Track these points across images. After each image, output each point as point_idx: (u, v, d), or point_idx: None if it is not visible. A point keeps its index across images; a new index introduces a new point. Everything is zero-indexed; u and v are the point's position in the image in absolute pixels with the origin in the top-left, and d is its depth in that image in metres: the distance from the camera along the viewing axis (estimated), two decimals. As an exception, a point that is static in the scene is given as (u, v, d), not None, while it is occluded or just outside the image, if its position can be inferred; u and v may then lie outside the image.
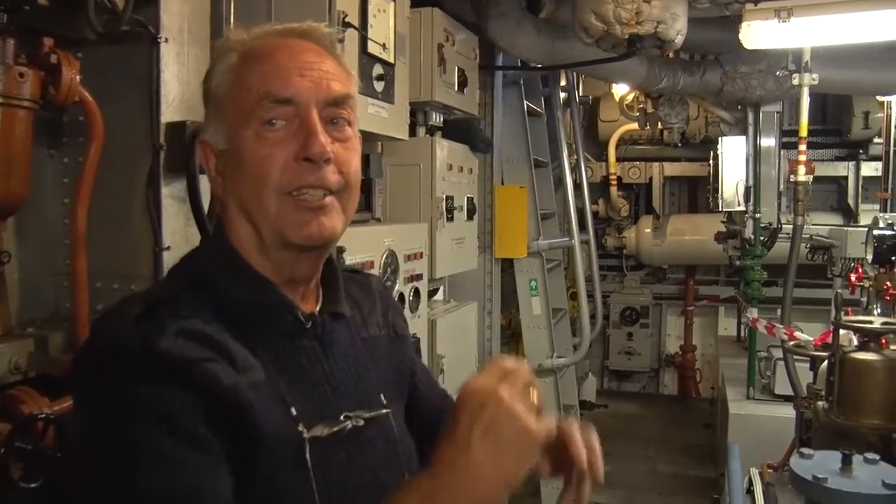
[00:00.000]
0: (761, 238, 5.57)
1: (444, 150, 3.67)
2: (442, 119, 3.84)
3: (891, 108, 6.17)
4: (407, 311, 3.15)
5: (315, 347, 1.22)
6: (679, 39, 3.83)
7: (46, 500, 1.71)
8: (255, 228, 1.18)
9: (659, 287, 9.32)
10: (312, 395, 1.18)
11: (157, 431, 1.00)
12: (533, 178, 5.19)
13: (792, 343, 4.54)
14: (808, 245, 5.32)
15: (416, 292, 3.25)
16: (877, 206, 6.55)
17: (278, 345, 1.18)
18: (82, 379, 1.11)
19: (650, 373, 9.37)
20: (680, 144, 8.45)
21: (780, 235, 5.57)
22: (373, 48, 2.82)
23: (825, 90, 5.42)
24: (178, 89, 2.15)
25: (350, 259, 2.49)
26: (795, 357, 4.61)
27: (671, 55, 5.41)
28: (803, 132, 4.71)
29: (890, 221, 4.39)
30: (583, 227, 5.97)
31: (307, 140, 1.14)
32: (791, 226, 4.90)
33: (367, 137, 2.25)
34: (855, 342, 2.79)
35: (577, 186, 6.11)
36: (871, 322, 2.84)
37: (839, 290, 4.69)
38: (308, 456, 1.12)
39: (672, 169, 9.12)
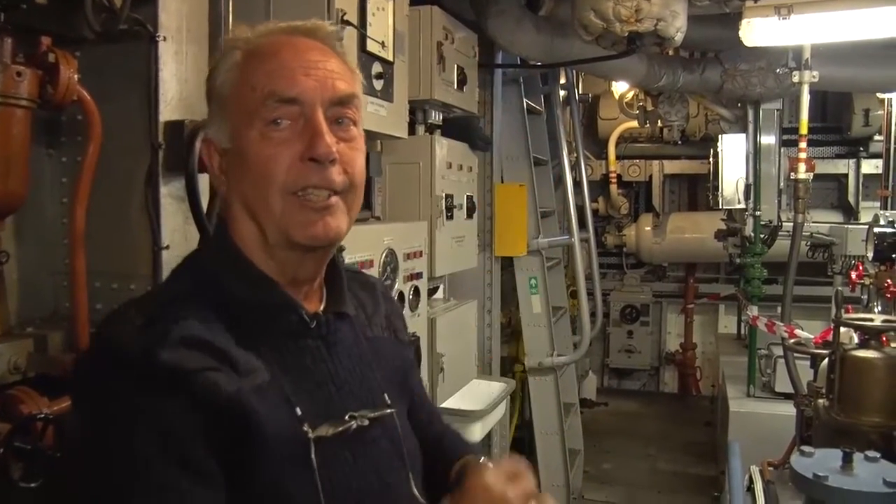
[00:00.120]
0: (761, 236, 5.57)
1: (444, 148, 3.66)
2: (441, 117, 3.83)
3: (891, 106, 6.18)
4: (407, 310, 3.15)
5: (319, 347, 1.22)
6: (679, 37, 3.82)
7: (46, 499, 1.71)
8: (259, 228, 1.18)
9: (659, 285, 9.33)
10: (317, 394, 1.18)
11: (153, 449, 1.00)
12: (533, 177, 5.19)
13: (792, 341, 4.52)
14: (809, 243, 5.32)
15: (416, 291, 3.25)
16: (877, 204, 6.56)
17: (283, 345, 1.18)
18: (82, 383, 1.11)
19: (650, 371, 9.37)
20: (680, 142, 8.45)
21: (780, 233, 5.57)
22: (372, 46, 2.81)
23: (825, 87, 5.42)
24: (176, 88, 2.14)
25: (350, 257, 2.48)
26: (796, 355, 4.61)
27: (671, 53, 5.41)
28: (803, 130, 4.71)
29: (890, 219, 4.39)
30: (583, 225, 5.96)
31: (313, 140, 1.14)
32: (791, 223, 4.89)
33: (367, 136, 2.26)
34: (855, 340, 2.79)
35: (577, 184, 6.11)
36: (871, 320, 2.83)
37: (839, 288, 4.68)
38: (313, 456, 1.12)
39: (672, 167, 9.12)
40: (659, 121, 7.00)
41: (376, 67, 2.87)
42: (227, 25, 2.31)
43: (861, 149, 7.90)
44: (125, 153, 2.11)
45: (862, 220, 6.71)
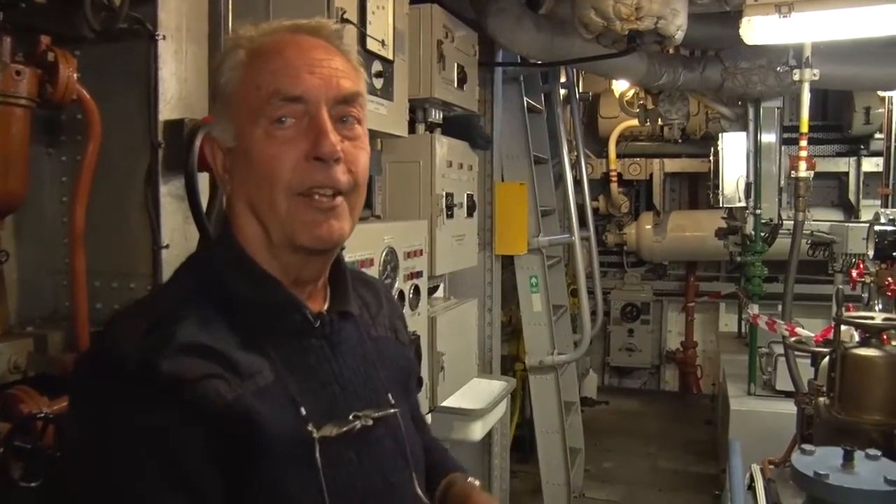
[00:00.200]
0: (762, 234, 5.56)
1: (444, 146, 3.65)
2: (441, 116, 3.82)
3: (892, 104, 6.17)
4: (407, 309, 3.14)
5: (323, 346, 1.22)
6: (679, 35, 3.82)
7: (46, 499, 1.71)
8: (264, 227, 1.18)
9: (660, 283, 9.33)
10: (321, 394, 1.18)
11: (145, 465, 1.01)
12: (533, 175, 5.19)
13: (793, 339, 4.52)
14: (809, 241, 5.31)
15: (416, 290, 3.24)
16: (878, 202, 6.54)
17: (287, 344, 1.18)
18: (81, 386, 1.12)
19: (651, 369, 9.38)
20: (680, 140, 8.43)
21: (780, 231, 5.56)
22: (371, 45, 2.81)
23: (826, 86, 5.41)
24: (175, 87, 2.14)
25: (350, 256, 2.48)
26: (796, 353, 4.60)
27: (671, 51, 5.40)
28: (804, 128, 4.70)
29: (891, 217, 4.38)
30: (583, 223, 5.96)
31: (317, 139, 1.14)
32: (792, 222, 4.88)
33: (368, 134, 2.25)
34: (856, 338, 2.78)
35: (578, 183, 6.10)
36: (872, 318, 2.83)
37: (840, 286, 4.68)
38: (318, 456, 1.12)
39: (672, 165, 9.13)
40: (659, 119, 6.99)
41: (376, 66, 2.86)
42: (226, 24, 2.30)
43: (862, 147, 7.91)
44: (125, 152, 2.11)
45: (862, 219, 6.71)
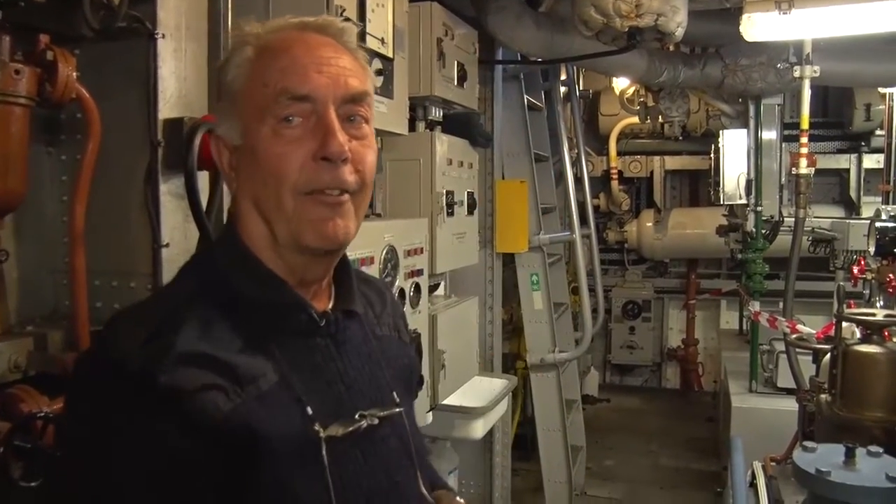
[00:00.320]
0: (763, 231, 5.56)
1: (444, 144, 3.65)
2: (441, 114, 3.82)
3: (892, 100, 6.16)
4: (408, 307, 3.14)
5: (328, 345, 1.21)
6: (679, 32, 3.81)
7: (46, 498, 1.71)
8: (269, 227, 1.17)
9: (661, 281, 9.32)
10: (327, 393, 1.18)
11: (133, 478, 1.02)
12: (534, 173, 5.18)
13: (794, 336, 4.53)
14: (810, 238, 5.32)
15: (417, 288, 3.24)
16: (879, 199, 6.54)
17: (292, 344, 1.17)
18: (78, 388, 1.13)
19: (652, 367, 9.37)
20: (681, 138, 8.46)
21: (781, 228, 5.56)
22: (371, 43, 2.80)
23: (826, 82, 5.41)
24: (175, 85, 2.14)
25: (350, 254, 2.45)
26: (798, 350, 4.61)
27: (671, 48, 5.39)
28: (805, 125, 4.70)
29: (892, 213, 4.39)
30: (584, 221, 5.95)
31: (325, 139, 1.13)
32: (793, 219, 4.88)
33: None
34: (858, 335, 2.78)
35: (578, 181, 6.09)
36: (873, 315, 2.83)
37: (842, 283, 4.69)
38: (324, 455, 1.11)
39: (673, 162, 9.13)
40: (660, 116, 6.98)
41: (376, 64, 2.86)
42: (226, 22, 2.30)
43: (862, 143, 7.90)
44: (124, 151, 2.11)
45: (863, 215, 6.70)
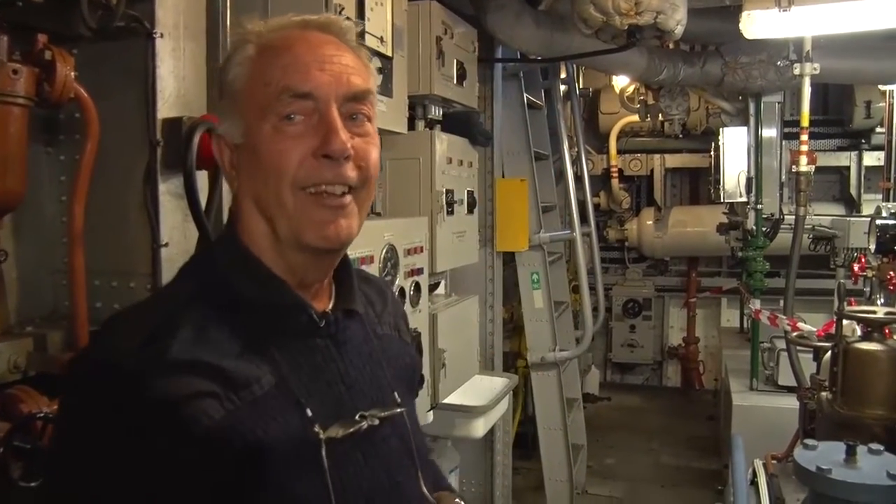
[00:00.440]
0: (763, 229, 5.56)
1: (444, 143, 3.65)
2: (441, 112, 3.82)
3: (893, 98, 6.14)
4: (408, 306, 3.14)
5: (329, 346, 1.21)
6: (679, 30, 3.81)
7: (38, 496, 1.71)
8: (271, 225, 1.16)
9: (661, 279, 9.32)
10: (328, 394, 1.17)
11: (129, 471, 1.02)
12: (534, 171, 5.18)
13: (795, 334, 4.53)
14: (811, 235, 5.31)
15: (417, 287, 3.24)
16: (879, 196, 6.53)
17: (292, 345, 1.17)
18: (76, 385, 1.13)
19: (653, 365, 9.37)
20: (681, 136, 8.45)
21: (782, 226, 5.56)
22: (370, 41, 2.80)
23: (826, 80, 5.40)
24: (174, 85, 2.13)
25: (350, 253, 2.45)
26: (799, 348, 4.61)
27: (671, 46, 5.39)
28: (805, 122, 4.70)
29: (893, 211, 4.38)
30: (584, 219, 5.94)
31: (327, 137, 1.12)
32: (793, 216, 4.89)
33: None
34: (858, 332, 2.78)
35: (578, 179, 6.09)
36: (874, 312, 2.83)
37: (842, 281, 4.69)
38: (324, 457, 1.11)
39: (673, 160, 9.12)
40: (660, 115, 6.97)
41: (375, 62, 2.84)
42: (224, 21, 2.29)
43: (863, 141, 7.89)
44: (123, 151, 2.11)
45: (864, 213, 6.69)
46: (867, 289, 4.40)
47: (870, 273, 4.21)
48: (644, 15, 3.64)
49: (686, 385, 9.11)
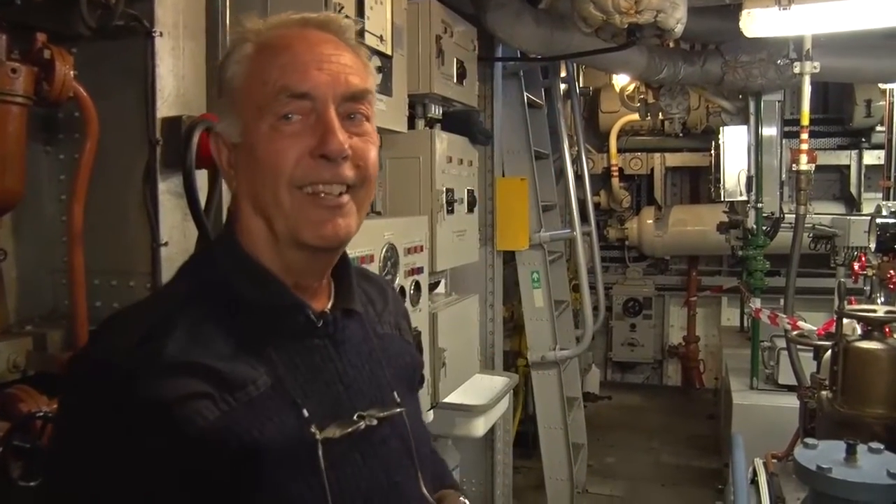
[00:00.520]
0: (763, 228, 5.56)
1: (444, 142, 3.65)
2: (441, 111, 3.82)
3: (893, 96, 6.15)
4: (408, 305, 3.13)
5: (327, 346, 1.20)
6: (679, 28, 3.81)
7: (36, 494, 1.71)
8: (269, 225, 1.16)
9: (661, 278, 9.31)
10: (325, 394, 1.17)
11: (122, 472, 1.03)
12: (534, 170, 5.17)
13: (795, 333, 4.53)
14: (811, 234, 5.31)
15: (417, 286, 3.24)
16: (879, 195, 6.53)
17: (289, 345, 1.16)
18: (73, 385, 1.14)
19: (653, 364, 9.37)
20: (681, 135, 8.43)
21: (782, 225, 5.55)
22: (370, 40, 2.80)
23: (827, 78, 5.40)
24: (173, 84, 2.14)
25: (349, 252, 2.45)
26: (799, 347, 4.61)
27: (671, 45, 5.39)
28: (805, 121, 4.70)
29: (893, 210, 4.38)
30: (584, 218, 5.94)
31: (324, 137, 1.12)
32: (793, 215, 4.89)
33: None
34: (858, 331, 2.78)
35: (579, 178, 6.09)
36: (874, 311, 2.82)
37: (842, 280, 4.69)
38: (321, 457, 1.10)
39: (673, 159, 9.12)
40: (660, 113, 6.96)
41: (375, 61, 2.84)
42: (224, 20, 2.29)
43: (863, 140, 7.88)
44: (123, 150, 2.11)
45: (864, 212, 6.69)
46: (867, 287, 4.40)
47: (870, 272, 4.21)
48: (644, 13, 3.63)
49: (686, 384, 9.11)
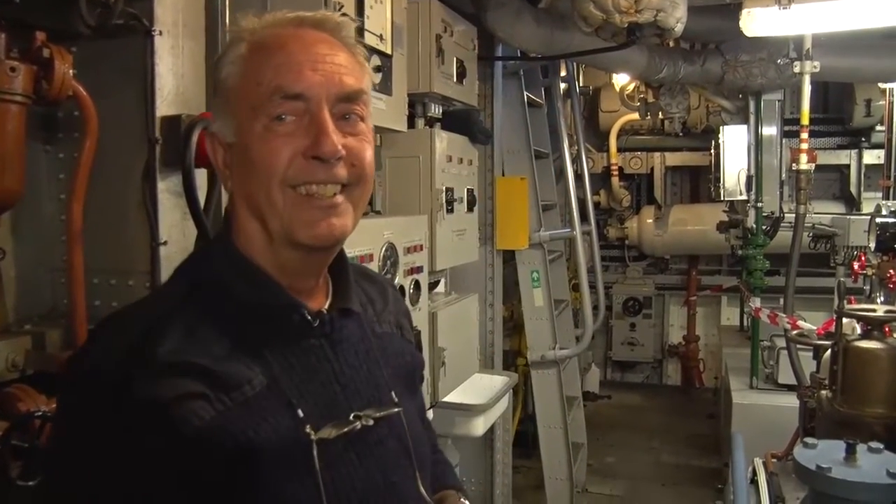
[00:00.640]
0: (763, 227, 5.56)
1: (444, 141, 3.64)
2: (441, 110, 3.81)
3: (892, 96, 6.14)
4: (407, 304, 3.13)
5: (323, 346, 1.20)
6: (679, 28, 3.81)
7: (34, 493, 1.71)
8: (263, 224, 1.16)
9: (661, 277, 9.31)
10: (321, 394, 1.16)
11: (117, 474, 1.03)
12: (534, 170, 5.17)
13: (795, 332, 4.53)
14: (811, 234, 5.31)
15: (417, 285, 3.23)
16: (879, 195, 6.52)
17: (285, 345, 1.16)
18: (66, 389, 1.15)
19: (653, 363, 9.37)
20: (681, 134, 8.43)
21: (782, 224, 5.55)
22: (370, 39, 2.80)
23: (826, 78, 5.40)
24: (173, 83, 2.13)
25: (349, 251, 2.44)
26: (799, 346, 4.60)
27: (671, 44, 5.38)
28: (805, 120, 4.70)
29: (893, 209, 4.38)
30: (584, 217, 5.94)
31: (318, 138, 1.11)
32: (793, 214, 4.88)
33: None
34: (858, 331, 2.77)
35: (579, 177, 6.09)
36: (874, 310, 2.82)
37: (842, 279, 4.68)
38: (316, 458, 1.10)
39: (673, 159, 9.12)
40: (660, 113, 6.96)
41: (374, 61, 2.85)
42: (223, 19, 2.29)
43: (863, 139, 7.88)
44: (122, 149, 2.11)
45: (864, 211, 6.69)
46: (867, 287, 4.40)
47: (870, 271, 4.20)
48: (644, 13, 3.63)
49: (686, 383, 9.10)
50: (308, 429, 1.11)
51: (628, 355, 9.19)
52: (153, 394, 1.02)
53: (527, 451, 6.15)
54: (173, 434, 1.01)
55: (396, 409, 1.25)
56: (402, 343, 1.42)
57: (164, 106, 2.11)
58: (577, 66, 7.07)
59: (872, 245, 4.17)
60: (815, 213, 5.36)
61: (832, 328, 2.92)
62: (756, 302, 5.45)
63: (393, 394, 1.27)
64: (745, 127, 5.85)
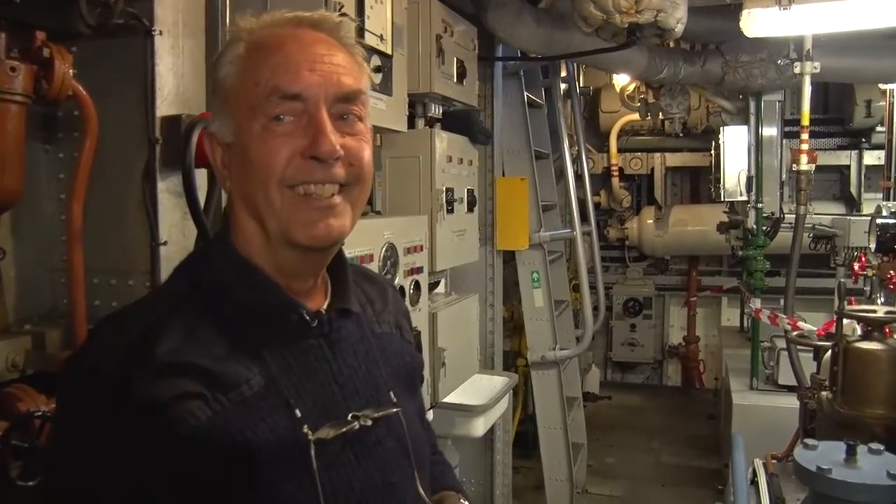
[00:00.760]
0: (764, 228, 5.55)
1: (444, 141, 3.64)
2: (441, 111, 3.81)
3: (893, 97, 6.14)
4: (407, 305, 3.13)
5: (321, 346, 1.20)
6: (679, 28, 3.81)
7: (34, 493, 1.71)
8: (261, 224, 1.15)
9: (662, 278, 9.31)
10: (320, 395, 1.16)
11: (113, 474, 1.03)
12: (534, 170, 5.17)
13: (795, 333, 4.53)
14: (811, 234, 5.31)
15: (417, 285, 3.23)
16: (879, 195, 6.52)
17: (284, 345, 1.16)
18: (64, 389, 1.15)
19: (653, 364, 9.36)
20: (681, 134, 8.43)
21: (782, 225, 5.55)
22: (370, 39, 2.79)
23: (827, 79, 5.40)
24: (173, 82, 2.13)
25: (349, 252, 2.45)
26: (799, 347, 4.61)
27: (671, 44, 5.38)
28: (805, 121, 4.70)
29: (893, 210, 4.38)
30: (584, 218, 5.94)
31: (316, 139, 1.11)
32: (793, 215, 4.88)
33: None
34: (858, 331, 2.77)
35: (579, 178, 6.08)
36: (874, 311, 2.82)
37: (842, 280, 4.68)
38: (313, 458, 1.10)
39: (674, 159, 9.11)
40: (660, 113, 6.96)
41: (375, 61, 2.85)
42: (224, 19, 2.29)
43: (863, 140, 7.88)
44: (122, 149, 2.11)
45: (864, 212, 6.69)
46: (867, 288, 4.40)
47: (870, 272, 4.20)
48: (644, 13, 3.63)
49: (686, 384, 9.10)
50: (306, 429, 1.11)
51: (628, 356, 9.19)
52: (152, 394, 1.02)
53: (527, 451, 6.14)
54: (170, 434, 1.01)
55: (395, 410, 1.25)
56: (402, 343, 1.42)
57: (165, 106, 2.11)
58: (578, 67, 7.07)
59: (873, 246, 4.17)
60: (815, 214, 5.36)
61: (832, 329, 2.92)
62: (756, 303, 5.45)
63: (392, 394, 1.26)
64: (745, 127, 5.85)
